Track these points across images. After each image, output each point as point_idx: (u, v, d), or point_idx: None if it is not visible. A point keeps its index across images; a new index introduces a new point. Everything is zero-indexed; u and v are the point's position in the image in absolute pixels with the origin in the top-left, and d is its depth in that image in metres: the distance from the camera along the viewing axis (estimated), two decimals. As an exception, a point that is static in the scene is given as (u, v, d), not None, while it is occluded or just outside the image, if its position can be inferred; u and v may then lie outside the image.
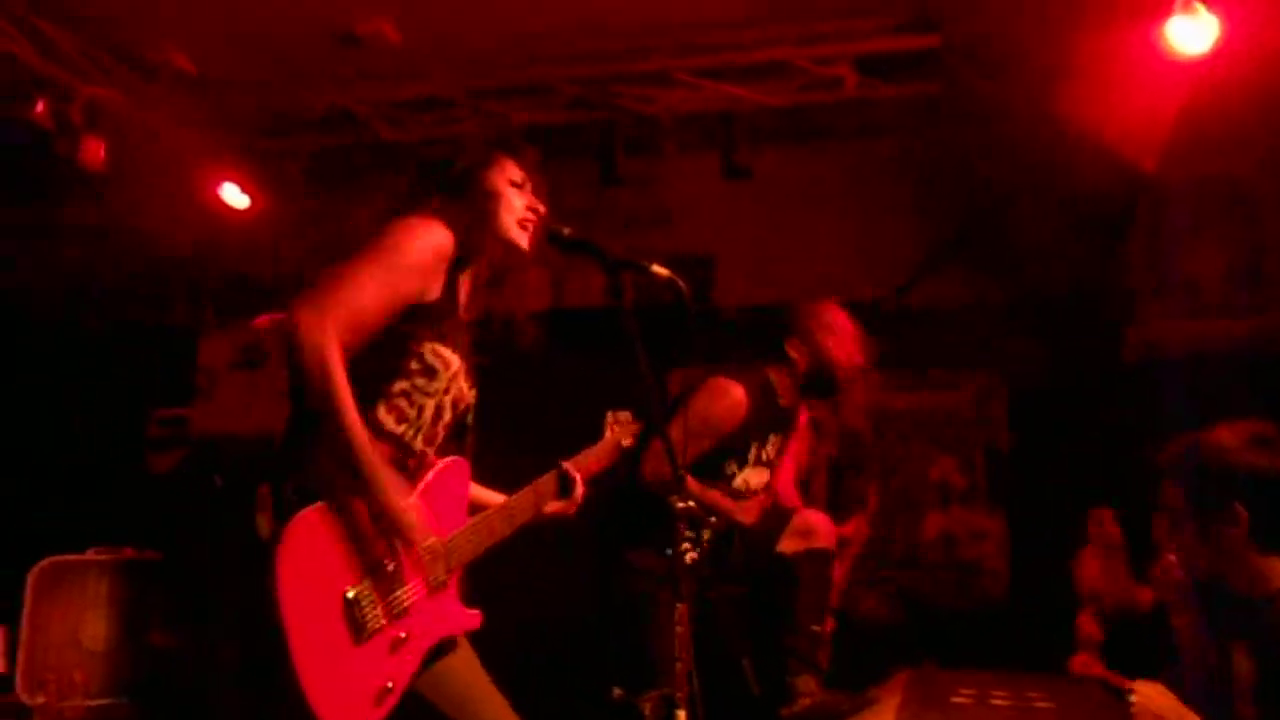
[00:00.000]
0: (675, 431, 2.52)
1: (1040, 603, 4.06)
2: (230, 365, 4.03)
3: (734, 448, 3.08)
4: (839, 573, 3.97)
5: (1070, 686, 2.83)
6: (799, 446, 3.68)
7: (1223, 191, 4.26)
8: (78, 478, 4.53)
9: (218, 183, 4.74)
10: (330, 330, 1.88)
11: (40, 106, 3.93)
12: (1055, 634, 3.88)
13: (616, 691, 2.71)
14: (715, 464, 3.05)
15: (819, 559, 3.16)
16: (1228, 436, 2.07)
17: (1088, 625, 3.71)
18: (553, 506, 2.36)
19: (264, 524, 1.88)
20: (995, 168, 4.45)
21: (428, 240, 2.04)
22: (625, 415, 2.59)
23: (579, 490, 2.38)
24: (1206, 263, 4.29)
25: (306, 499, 1.89)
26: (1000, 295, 4.76)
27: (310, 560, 1.87)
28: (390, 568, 1.98)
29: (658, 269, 2.16)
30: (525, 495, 2.31)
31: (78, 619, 3.88)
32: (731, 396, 3.02)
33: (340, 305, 1.91)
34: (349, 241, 2.07)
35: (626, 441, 2.59)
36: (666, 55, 4.27)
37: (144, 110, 4.44)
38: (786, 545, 3.13)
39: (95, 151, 4.04)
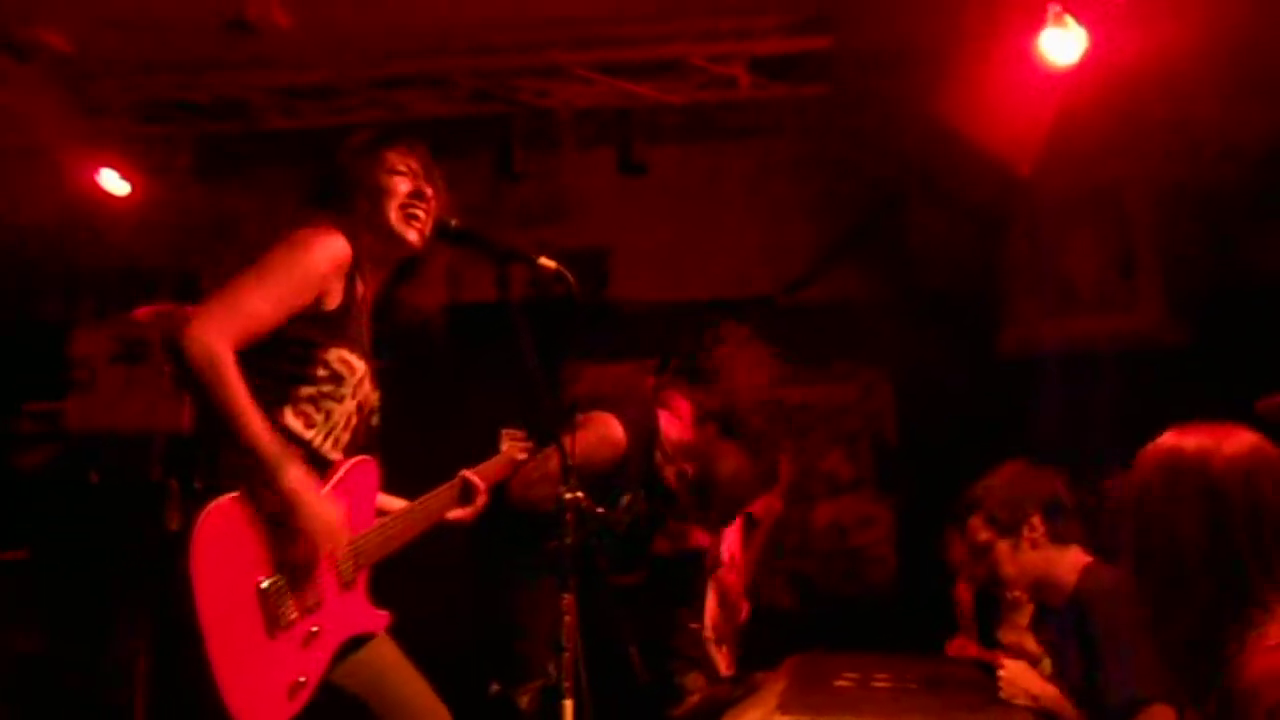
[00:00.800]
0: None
1: (926, 587, 4.20)
2: (110, 358, 3.87)
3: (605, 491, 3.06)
4: (751, 551, 4.03)
5: (948, 667, 2.94)
6: None
7: (1095, 195, 4.48)
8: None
9: (95, 169, 4.55)
10: (222, 342, 1.86)
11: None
12: (940, 618, 4.02)
13: (494, 686, 2.72)
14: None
15: (692, 560, 3.21)
16: (1009, 472, 2.55)
17: (964, 594, 3.90)
18: (455, 513, 2.40)
19: (174, 517, 1.87)
20: (885, 168, 4.59)
21: (324, 253, 2.02)
22: (519, 433, 2.71)
23: (481, 499, 2.43)
24: (1079, 263, 4.51)
25: (215, 493, 1.86)
26: (890, 292, 4.91)
27: (223, 551, 1.85)
28: (303, 561, 1.97)
29: (545, 261, 2.17)
30: (430, 500, 2.34)
31: (-60, 625, 3.69)
32: (615, 439, 2.98)
33: (233, 319, 1.90)
34: (243, 241, 2.05)
35: (520, 456, 2.67)
36: (564, 49, 4.27)
37: (13, 91, 4.24)
38: (660, 546, 3.17)
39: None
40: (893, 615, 4.60)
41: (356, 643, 2.12)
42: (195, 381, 1.85)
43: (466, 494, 2.41)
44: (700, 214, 4.93)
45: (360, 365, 2.12)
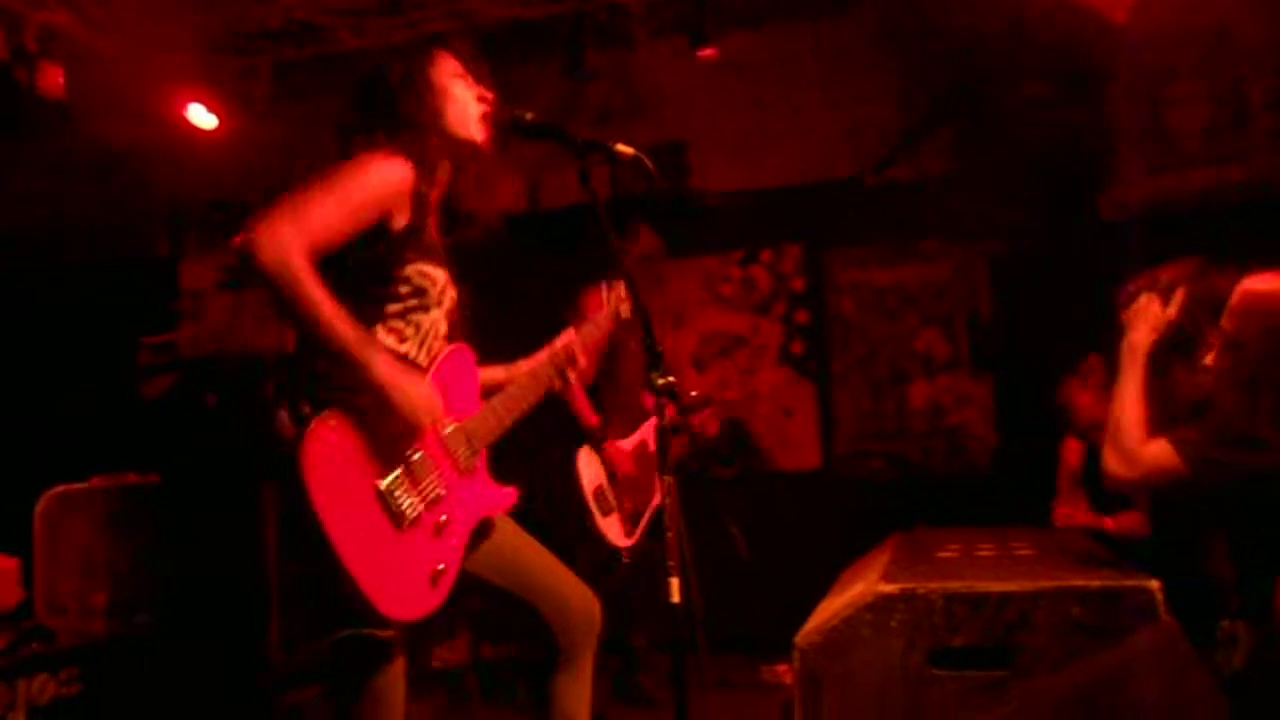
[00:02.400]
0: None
1: (1026, 464, 4.14)
2: (215, 286, 4.04)
3: None
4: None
5: (1054, 535, 2.91)
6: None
7: (1201, 38, 4.17)
8: (73, 411, 4.59)
9: (183, 104, 4.67)
10: (293, 241, 1.86)
11: (-8, 36, 3.84)
12: (1043, 494, 3.97)
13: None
14: None
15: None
16: (1182, 274, 2.24)
17: (1072, 453, 3.78)
18: (559, 382, 2.38)
19: (286, 434, 1.91)
20: (971, 35, 4.37)
21: (386, 178, 2.01)
22: (619, 286, 2.55)
23: (582, 362, 2.39)
24: (1186, 113, 4.24)
25: (323, 406, 1.91)
26: (981, 163, 4.73)
27: (336, 458, 1.90)
28: (416, 456, 2.02)
29: (622, 148, 2.14)
30: (534, 372, 2.33)
31: (89, 545, 3.97)
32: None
33: (302, 220, 1.89)
34: (310, 167, 2.04)
35: (625, 311, 2.56)
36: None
37: (101, 33, 4.34)
38: None
39: (53, 78, 3.96)
40: (994, 492, 4.56)
41: (484, 528, 2.17)
42: (270, 283, 1.84)
43: (569, 359, 2.37)
44: (778, 99, 4.80)
45: (440, 274, 2.13)
